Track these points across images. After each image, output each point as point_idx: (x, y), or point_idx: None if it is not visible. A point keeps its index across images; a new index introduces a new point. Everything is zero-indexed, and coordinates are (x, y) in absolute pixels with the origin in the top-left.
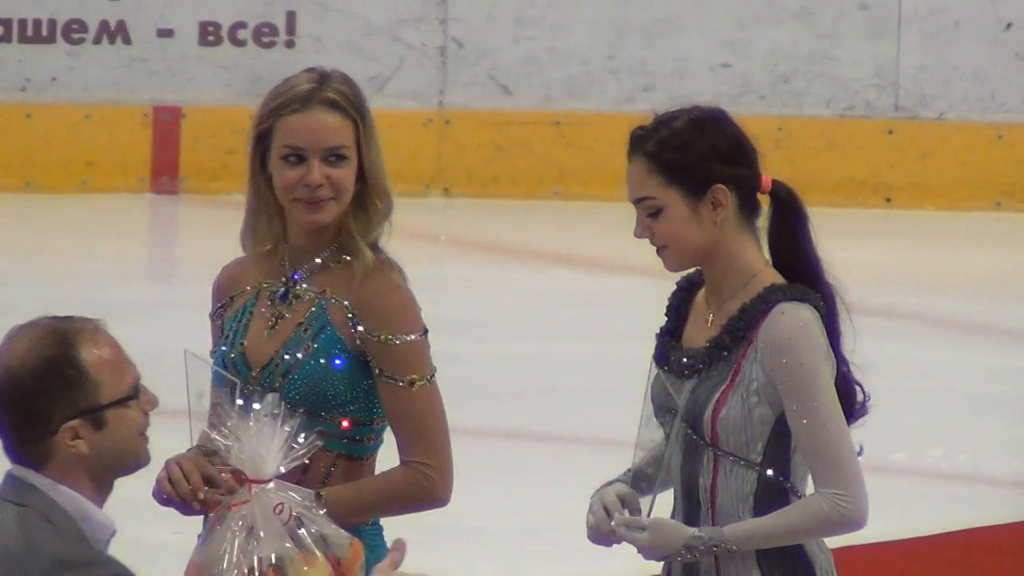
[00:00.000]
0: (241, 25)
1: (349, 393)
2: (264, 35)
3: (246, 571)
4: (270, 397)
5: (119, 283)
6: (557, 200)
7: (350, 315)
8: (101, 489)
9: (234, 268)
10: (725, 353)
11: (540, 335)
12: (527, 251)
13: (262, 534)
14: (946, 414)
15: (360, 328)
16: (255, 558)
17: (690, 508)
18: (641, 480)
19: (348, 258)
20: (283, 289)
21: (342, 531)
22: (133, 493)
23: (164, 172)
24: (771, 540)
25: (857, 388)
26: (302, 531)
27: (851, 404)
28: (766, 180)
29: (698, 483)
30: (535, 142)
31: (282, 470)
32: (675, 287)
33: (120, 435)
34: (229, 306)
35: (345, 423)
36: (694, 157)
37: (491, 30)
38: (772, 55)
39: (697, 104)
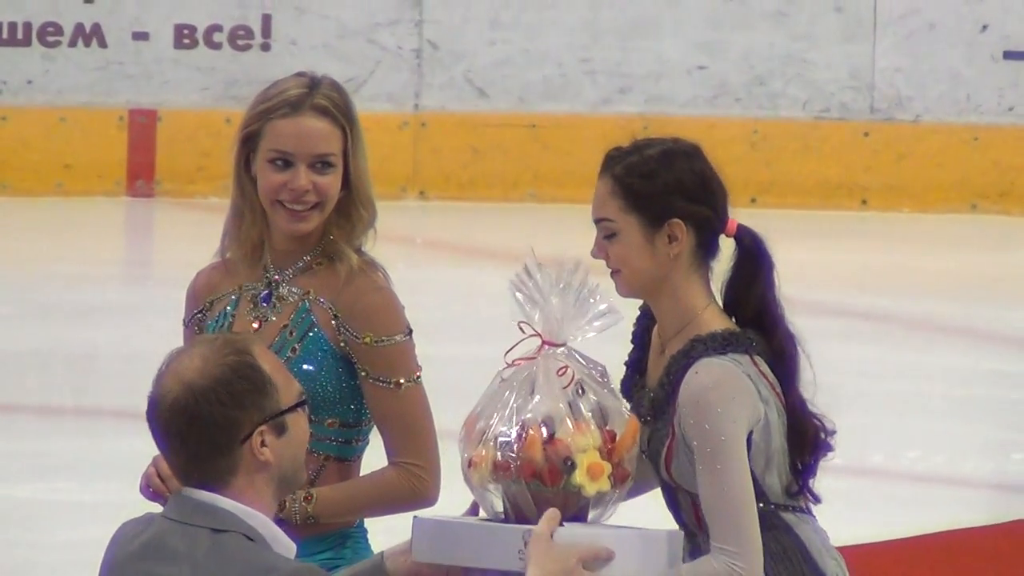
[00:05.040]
0: (216, 28)
1: (337, 395)
2: (239, 38)
3: (515, 428)
4: (582, 268)
5: (95, 286)
6: (532, 202)
7: (334, 317)
8: (275, 505)
9: (210, 273)
10: (664, 407)
11: (516, 337)
12: (503, 253)
13: (539, 394)
14: (922, 416)
15: (345, 330)
16: (526, 415)
17: (687, 536)
18: None
19: (332, 260)
20: (266, 291)
21: (624, 407)
22: (119, 493)
23: (140, 175)
24: None
25: (817, 423)
26: (581, 398)
27: (808, 442)
28: (731, 224)
29: (683, 519)
30: (511, 144)
31: (577, 338)
32: (639, 312)
33: (297, 441)
34: (209, 311)
35: (332, 424)
36: (656, 188)
37: (466, 32)
38: (747, 57)
39: (678, 137)
